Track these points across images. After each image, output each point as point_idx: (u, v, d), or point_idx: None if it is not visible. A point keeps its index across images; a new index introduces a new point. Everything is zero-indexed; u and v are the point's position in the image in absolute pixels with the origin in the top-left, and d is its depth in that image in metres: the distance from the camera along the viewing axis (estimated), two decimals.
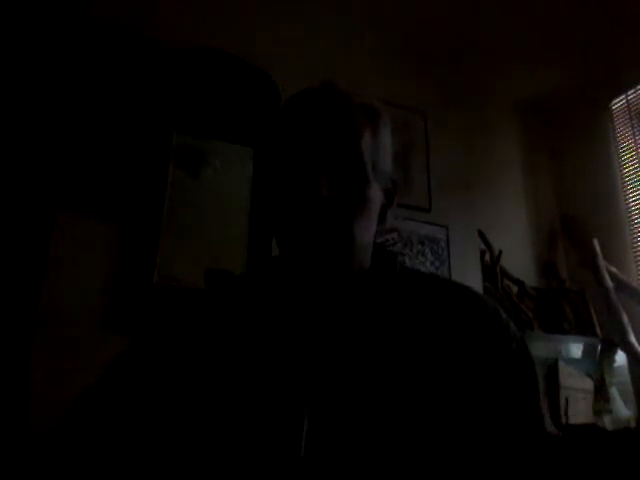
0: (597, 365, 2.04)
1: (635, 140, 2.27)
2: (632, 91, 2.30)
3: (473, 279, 2.04)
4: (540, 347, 1.92)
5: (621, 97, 2.35)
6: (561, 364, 1.91)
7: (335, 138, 0.59)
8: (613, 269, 2.17)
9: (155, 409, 0.59)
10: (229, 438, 0.54)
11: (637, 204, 2.23)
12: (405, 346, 0.59)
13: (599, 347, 2.09)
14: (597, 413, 1.91)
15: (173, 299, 1.50)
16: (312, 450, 0.52)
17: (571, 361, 1.97)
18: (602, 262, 2.16)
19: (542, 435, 0.60)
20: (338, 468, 0.52)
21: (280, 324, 0.61)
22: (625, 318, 2.05)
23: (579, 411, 1.85)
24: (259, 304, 0.64)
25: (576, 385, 1.92)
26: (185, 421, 0.57)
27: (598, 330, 2.15)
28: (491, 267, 2.15)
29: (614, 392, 1.99)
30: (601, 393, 1.96)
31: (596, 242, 2.20)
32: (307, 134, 0.60)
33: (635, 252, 2.21)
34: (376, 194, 0.63)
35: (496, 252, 2.17)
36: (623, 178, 2.30)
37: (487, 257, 2.16)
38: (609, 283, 2.12)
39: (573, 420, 1.79)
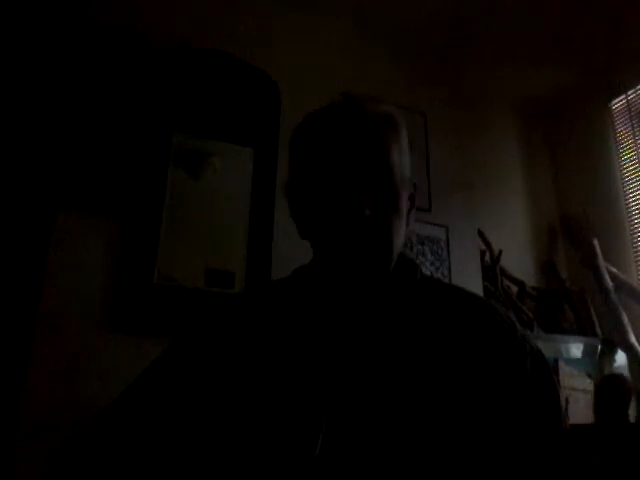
0: (597, 365, 2.04)
1: (635, 140, 2.27)
2: (632, 91, 2.30)
3: (473, 279, 2.04)
4: (540, 347, 1.92)
5: (621, 97, 2.35)
6: (561, 364, 1.91)
7: (369, 155, 0.62)
8: (613, 269, 2.17)
9: (184, 409, 0.61)
10: (249, 435, 0.56)
11: (637, 204, 2.23)
12: (424, 354, 0.60)
13: (599, 347, 2.09)
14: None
15: (173, 299, 1.50)
16: (327, 450, 0.53)
17: (571, 361, 1.98)
18: (602, 262, 2.16)
19: (563, 444, 0.60)
20: (351, 469, 0.53)
21: (305, 328, 0.63)
22: (625, 318, 2.05)
23: (579, 411, 1.85)
24: (286, 309, 0.66)
25: (576, 385, 1.92)
26: (208, 421, 0.59)
27: (598, 330, 2.15)
28: (491, 267, 2.15)
29: None
30: None
31: (596, 242, 2.20)
32: (342, 152, 0.62)
33: (635, 252, 2.21)
34: (404, 202, 0.65)
35: (496, 252, 2.17)
36: (623, 178, 2.30)
37: (487, 257, 2.16)
38: (609, 283, 2.12)
39: (573, 420, 1.79)
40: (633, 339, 2.02)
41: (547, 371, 0.66)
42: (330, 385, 0.57)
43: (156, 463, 0.59)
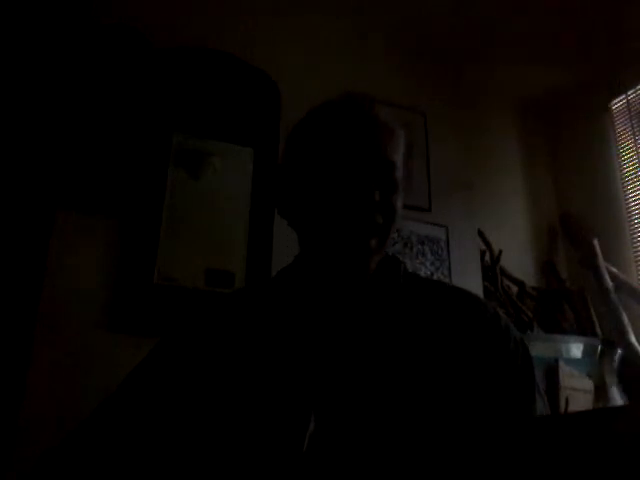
0: (597, 365, 2.04)
1: (635, 140, 2.27)
2: (632, 91, 2.30)
3: (473, 279, 2.04)
4: (540, 347, 1.92)
5: (621, 97, 2.35)
6: (561, 364, 1.91)
7: (382, 155, 0.65)
8: (613, 269, 2.17)
9: (172, 406, 0.62)
10: (237, 434, 0.56)
11: (637, 204, 2.23)
12: (409, 349, 0.61)
13: (599, 347, 2.09)
14: None
15: (173, 299, 1.50)
16: (315, 447, 0.53)
17: (571, 361, 1.97)
18: (602, 262, 2.16)
19: (531, 430, 0.61)
20: (339, 463, 0.53)
21: (292, 327, 0.64)
22: (625, 318, 2.05)
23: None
24: (272, 308, 0.67)
25: (576, 385, 1.92)
26: (196, 419, 0.60)
27: (598, 330, 2.15)
28: (491, 267, 2.15)
29: (614, 392, 1.98)
30: (601, 393, 1.96)
31: (596, 242, 2.20)
32: (350, 147, 0.64)
33: (635, 252, 2.20)
34: (401, 201, 0.68)
35: (496, 252, 2.17)
36: (623, 178, 2.30)
37: (487, 257, 2.16)
38: (609, 283, 2.12)
39: None
40: (633, 339, 2.02)
41: (527, 358, 0.66)
42: (317, 381, 0.58)
43: (144, 460, 0.60)
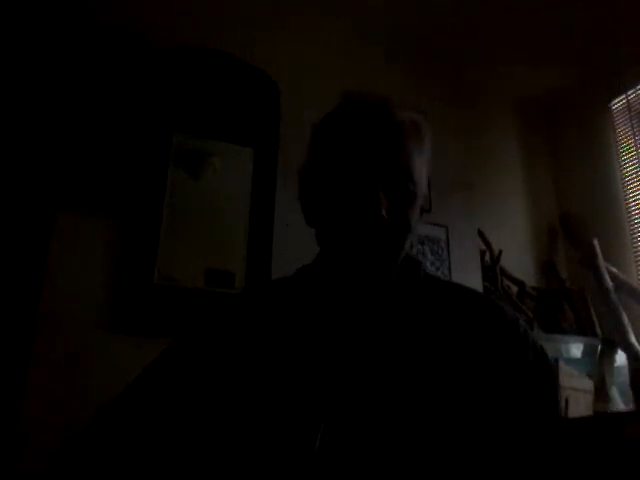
0: (597, 365, 2.04)
1: (635, 140, 2.27)
2: (632, 91, 2.30)
3: (473, 279, 2.04)
4: None
5: (621, 97, 2.35)
6: (561, 364, 1.91)
7: (393, 159, 0.63)
8: (613, 269, 2.17)
9: (184, 407, 0.62)
10: (249, 434, 0.56)
11: (637, 204, 2.23)
12: (425, 353, 0.60)
13: (599, 347, 2.09)
14: None
15: (173, 299, 1.50)
16: (326, 447, 0.53)
17: (571, 361, 1.97)
18: (602, 262, 2.16)
19: (559, 440, 0.60)
20: (350, 464, 0.53)
21: (307, 327, 0.63)
22: (625, 318, 2.05)
23: (579, 411, 1.84)
24: (288, 309, 0.67)
25: (576, 385, 1.91)
26: (209, 420, 0.60)
27: (598, 330, 2.15)
28: (491, 267, 2.15)
29: (614, 392, 1.98)
30: (601, 393, 1.96)
31: (596, 242, 2.20)
32: (368, 151, 0.63)
33: (635, 252, 2.21)
34: (417, 210, 0.67)
35: (496, 252, 2.17)
36: (623, 178, 2.30)
37: (487, 257, 2.16)
38: (609, 283, 2.12)
39: None
40: (633, 339, 2.02)
41: (548, 366, 0.66)
42: (330, 382, 0.58)
43: (157, 461, 0.60)
